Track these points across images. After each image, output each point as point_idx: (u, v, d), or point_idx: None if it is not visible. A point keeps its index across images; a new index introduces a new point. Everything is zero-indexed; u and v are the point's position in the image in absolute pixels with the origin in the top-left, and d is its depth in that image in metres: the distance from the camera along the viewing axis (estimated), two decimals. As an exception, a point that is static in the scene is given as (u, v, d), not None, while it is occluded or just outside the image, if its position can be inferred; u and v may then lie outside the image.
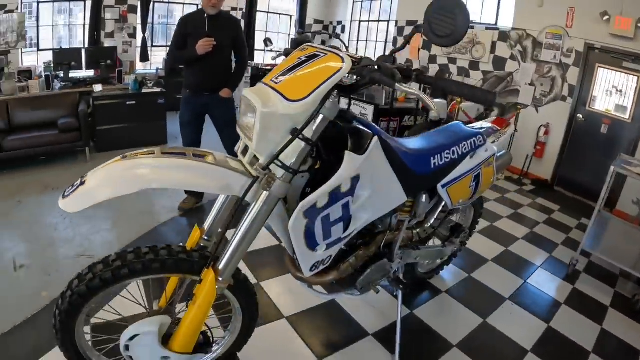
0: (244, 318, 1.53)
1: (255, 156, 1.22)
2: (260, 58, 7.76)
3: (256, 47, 7.84)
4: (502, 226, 3.39)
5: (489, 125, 2.10)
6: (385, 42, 6.85)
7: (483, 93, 1.13)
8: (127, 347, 1.24)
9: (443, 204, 1.80)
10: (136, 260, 1.20)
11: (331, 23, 8.18)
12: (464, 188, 1.78)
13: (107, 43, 6.24)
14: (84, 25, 5.90)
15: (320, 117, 1.14)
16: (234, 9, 7.26)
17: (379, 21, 7.14)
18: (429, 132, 1.81)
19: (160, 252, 1.24)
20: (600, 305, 2.49)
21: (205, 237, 1.40)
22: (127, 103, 4.87)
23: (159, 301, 1.43)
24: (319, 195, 1.20)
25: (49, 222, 2.82)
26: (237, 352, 1.66)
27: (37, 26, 5.73)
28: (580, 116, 4.23)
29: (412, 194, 1.58)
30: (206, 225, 1.43)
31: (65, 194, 1.11)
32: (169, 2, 6.93)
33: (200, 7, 2.88)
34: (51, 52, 5.09)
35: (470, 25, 5.32)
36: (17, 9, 4.91)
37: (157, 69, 6.67)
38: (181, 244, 1.33)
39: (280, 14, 8.00)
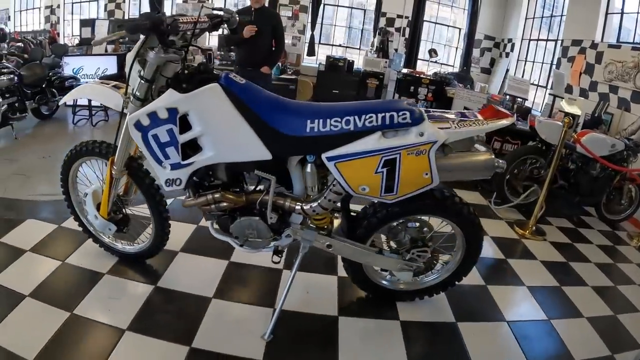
0: (154, 214, 1.93)
1: None
2: (423, 67, 7.48)
3: (420, 56, 7.66)
4: (571, 294, 2.37)
5: (463, 111, 1.56)
6: (551, 64, 5.66)
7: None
8: (84, 202, 1.96)
9: (335, 182, 1.48)
10: (92, 145, 1.89)
11: (502, 40, 7.27)
12: (365, 171, 1.40)
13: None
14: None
15: (148, 62, 1.47)
16: (399, 16, 7.28)
17: (547, 40, 5.94)
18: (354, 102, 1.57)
19: (102, 145, 1.88)
20: None
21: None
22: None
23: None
24: (140, 114, 1.48)
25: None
26: (158, 250, 2.07)
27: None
28: None
29: (283, 155, 1.52)
30: None
31: None
32: (337, 6, 7.54)
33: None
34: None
35: (637, 46, 4.04)
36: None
37: (320, 64, 7.28)
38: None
39: (448, 26, 7.61)
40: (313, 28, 7.24)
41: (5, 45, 5.44)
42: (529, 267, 2.64)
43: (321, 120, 1.40)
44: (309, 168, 1.50)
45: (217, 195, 1.59)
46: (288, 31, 7.20)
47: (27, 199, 2.73)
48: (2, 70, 3.67)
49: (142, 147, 1.53)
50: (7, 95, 3.68)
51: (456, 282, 1.95)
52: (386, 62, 7.17)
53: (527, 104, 5.39)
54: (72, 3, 6.24)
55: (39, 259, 2.11)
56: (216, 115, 1.44)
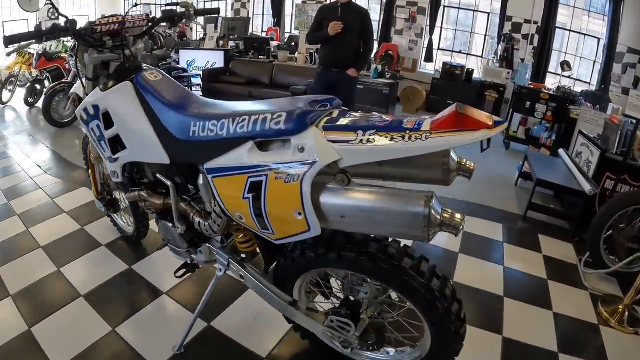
0: (129, 203, 1.91)
1: None
2: (550, 81, 6.10)
3: (551, 69, 6.25)
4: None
5: (404, 116, 0.90)
6: None
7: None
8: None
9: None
10: None
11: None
12: (234, 191, 1.05)
13: (395, 39, 6.75)
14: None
15: (85, 63, 1.43)
16: (527, 21, 6.01)
17: None
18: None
19: None
20: None
21: None
22: (358, 86, 5.35)
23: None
24: (80, 108, 1.45)
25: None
26: (139, 237, 2.12)
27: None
28: None
29: (179, 161, 1.27)
30: None
31: None
32: (459, 8, 6.58)
33: None
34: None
35: None
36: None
37: (436, 71, 6.57)
38: None
39: (585, 35, 5.97)
40: (432, 32, 6.53)
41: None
42: (587, 374, 1.68)
43: (201, 123, 1.10)
44: (200, 179, 1.21)
45: (141, 194, 1.47)
46: (404, 35, 6.67)
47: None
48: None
49: (89, 137, 1.53)
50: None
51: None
52: (509, 73, 6.04)
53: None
54: (204, 2, 6.99)
55: (68, 220, 2.41)
56: (125, 113, 1.33)
